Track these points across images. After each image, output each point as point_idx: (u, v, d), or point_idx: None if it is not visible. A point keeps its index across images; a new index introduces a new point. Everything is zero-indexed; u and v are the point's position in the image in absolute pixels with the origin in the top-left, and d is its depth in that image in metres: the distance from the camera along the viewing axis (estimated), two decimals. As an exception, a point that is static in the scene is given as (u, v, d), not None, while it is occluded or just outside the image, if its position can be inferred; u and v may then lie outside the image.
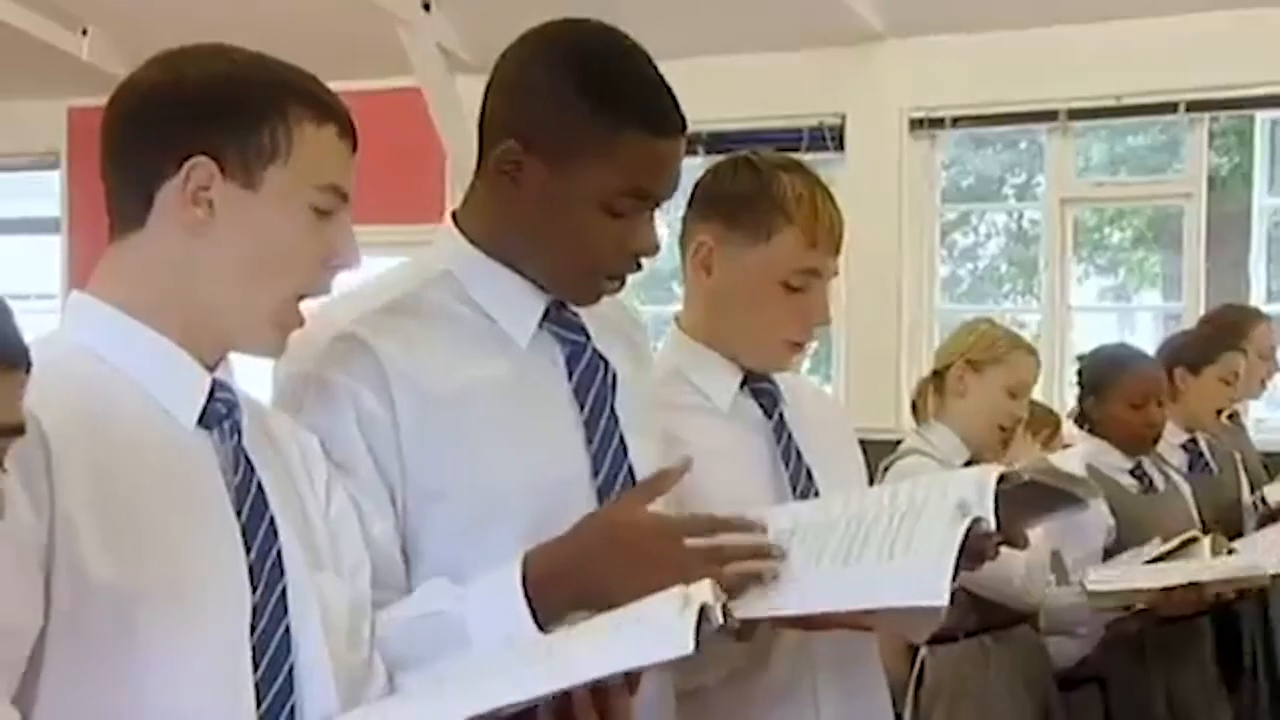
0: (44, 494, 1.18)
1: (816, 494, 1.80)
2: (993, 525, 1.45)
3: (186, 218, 1.29)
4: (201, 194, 1.28)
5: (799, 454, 1.83)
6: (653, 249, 1.55)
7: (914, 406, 3.12)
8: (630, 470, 1.57)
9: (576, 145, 1.48)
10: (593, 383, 1.58)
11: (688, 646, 1.16)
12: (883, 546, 1.40)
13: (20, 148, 7.31)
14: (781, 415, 1.85)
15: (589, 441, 1.55)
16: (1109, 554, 3.13)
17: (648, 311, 6.96)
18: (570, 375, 1.57)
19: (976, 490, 1.48)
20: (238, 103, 1.30)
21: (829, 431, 1.92)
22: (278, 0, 5.87)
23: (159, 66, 1.33)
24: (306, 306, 1.38)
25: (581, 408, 1.56)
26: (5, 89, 6.93)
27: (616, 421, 1.58)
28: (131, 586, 1.21)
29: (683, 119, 1.55)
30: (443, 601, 1.42)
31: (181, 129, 1.29)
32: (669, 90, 1.55)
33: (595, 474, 1.55)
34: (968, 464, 2.97)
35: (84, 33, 6.64)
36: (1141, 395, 3.28)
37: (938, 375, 3.04)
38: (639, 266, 1.57)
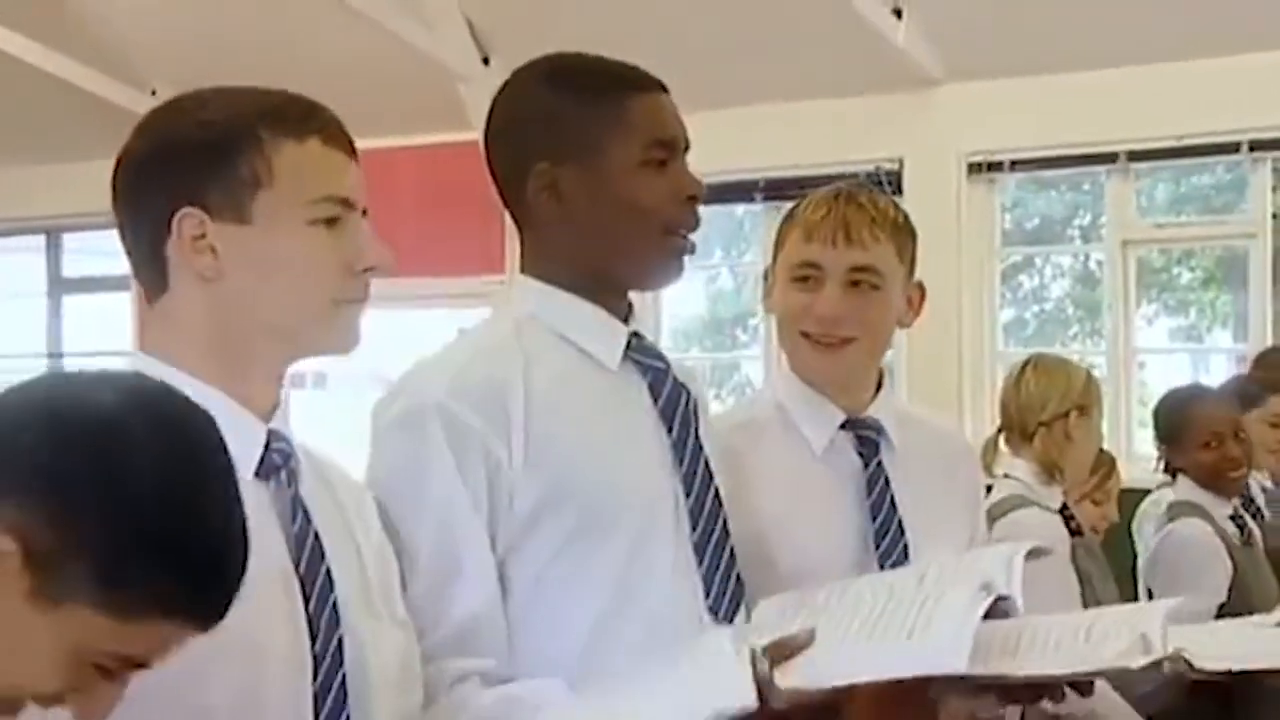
0: None
1: (905, 549, 1.80)
2: (1019, 602, 1.44)
3: (197, 267, 1.31)
4: (200, 242, 1.31)
5: (893, 505, 1.82)
6: (700, 188, 1.63)
7: (984, 458, 3.09)
8: (717, 494, 1.62)
9: (594, 134, 1.59)
10: (677, 408, 1.63)
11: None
12: (904, 624, 1.39)
13: (92, 207, 7.45)
14: (880, 464, 1.84)
15: (679, 463, 1.61)
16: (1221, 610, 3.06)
17: (709, 359, 6.98)
18: (656, 401, 1.62)
19: (1004, 569, 1.48)
20: (208, 145, 1.31)
21: (942, 486, 1.90)
22: (340, 58, 5.98)
23: (142, 132, 1.36)
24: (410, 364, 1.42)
25: (669, 430, 1.62)
26: (77, 150, 7.08)
27: (701, 446, 1.63)
28: (193, 650, 1.20)
29: (658, 79, 1.66)
30: (556, 701, 1.45)
31: (162, 188, 1.32)
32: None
33: (687, 495, 1.60)
34: (1062, 509, 2.96)
35: (153, 93, 6.79)
36: (1212, 434, 3.24)
37: (1045, 427, 2.98)
38: (696, 218, 1.65)
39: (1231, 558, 3.13)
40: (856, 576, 1.73)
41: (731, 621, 1.57)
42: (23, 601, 0.97)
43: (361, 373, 6.95)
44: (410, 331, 6.99)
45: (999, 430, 3.10)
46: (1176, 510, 3.29)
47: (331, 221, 1.33)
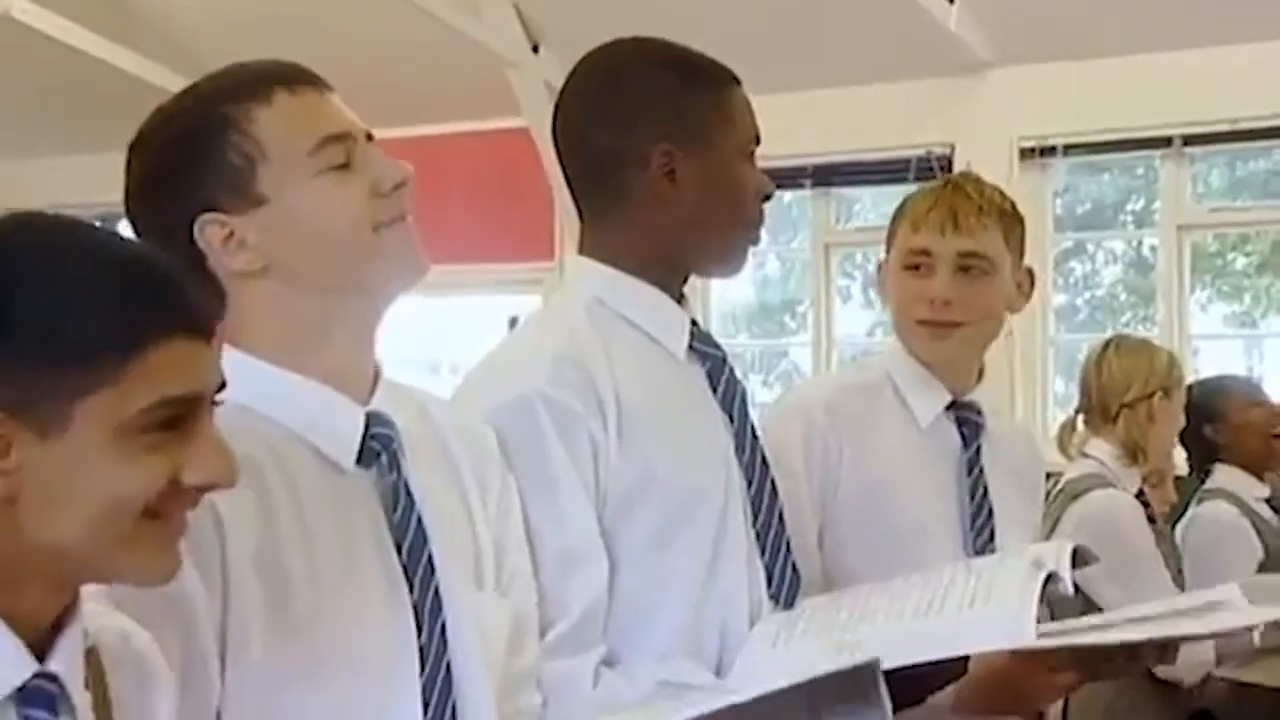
0: (217, 579, 1.19)
1: (993, 534, 1.85)
2: (1070, 587, 1.47)
3: (239, 267, 1.29)
4: (230, 241, 1.29)
5: (985, 490, 1.87)
6: (772, 188, 1.69)
7: (1060, 440, 3.09)
8: (774, 484, 1.64)
9: (706, 122, 1.62)
10: (735, 397, 1.65)
11: None
12: (963, 599, 1.41)
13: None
14: (979, 448, 1.89)
15: (740, 451, 1.63)
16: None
17: (758, 345, 6.96)
18: (715, 389, 1.64)
19: (1054, 555, 1.51)
20: (192, 151, 1.29)
21: (1017, 479, 1.96)
22: (390, 47, 6.01)
23: (129, 165, 1.34)
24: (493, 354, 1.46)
25: (730, 419, 1.64)
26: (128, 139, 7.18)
27: (757, 436, 1.65)
28: (299, 662, 1.22)
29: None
30: (702, 680, 1.49)
31: (171, 212, 1.30)
32: None
33: (749, 484, 1.62)
34: (1139, 494, 2.95)
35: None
36: (1258, 394, 3.27)
37: (1129, 408, 2.98)
38: (764, 216, 1.70)
39: (1264, 541, 3.11)
40: (950, 550, 1.79)
41: (790, 609, 1.58)
42: (45, 449, 0.97)
43: (412, 358, 7.00)
44: (461, 318, 7.02)
45: (1077, 411, 3.10)
46: (1206, 495, 3.29)
47: (342, 167, 1.30)
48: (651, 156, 1.59)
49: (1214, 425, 3.32)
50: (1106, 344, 3.13)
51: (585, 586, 1.50)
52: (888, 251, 1.99)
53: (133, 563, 1.00)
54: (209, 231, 1.29)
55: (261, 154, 1.28)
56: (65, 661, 1.00)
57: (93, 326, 0.97)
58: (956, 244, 1.89)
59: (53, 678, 0.99)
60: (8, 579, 0.98)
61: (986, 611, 1.39)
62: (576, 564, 1.50)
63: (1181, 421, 3.09)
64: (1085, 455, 3.01)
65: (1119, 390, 3.01)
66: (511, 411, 1.51)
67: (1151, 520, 2.98)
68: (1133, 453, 2.97)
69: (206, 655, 1.19)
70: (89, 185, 7.81)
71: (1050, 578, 1.45)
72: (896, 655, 1.38)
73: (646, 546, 1.53)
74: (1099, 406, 3.03)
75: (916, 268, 1.91)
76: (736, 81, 1.67)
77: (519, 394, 1.51)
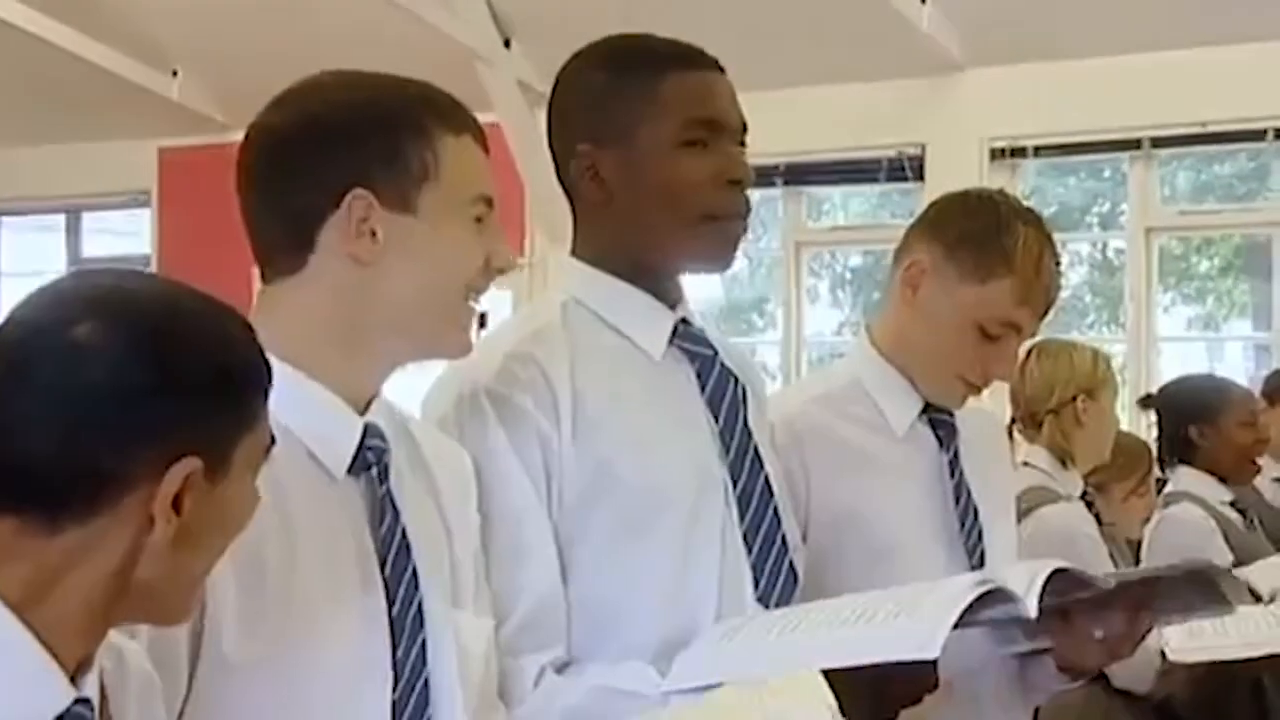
0: None
1: (980, 534, 1.81)
2: (1033, 611, 1.39)
3: (354, 251, 1.28)
4: (364, 224, 1.27)
5: (968, 492, 1.83)
6: (747, 173, 1.60)
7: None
8: (767, 482, 1.60)
9: (631, 116, 1.55)
10: (724, 396, 1.60)
11: None
12: (891, 611, 1.38)
13: (112, 187, 7.48)
14: (956, 451, 1.85)
15: (725, 452, 1.59)
16: None
17: (727, 344, 6.95)
18: (703, 389, 1.60)
19: (1026, 578, 1.42)
20: (380, 128, 1.29)
21: (990, 470, 1.91)
22: (361, 40, 5.96)
23: (291, 106, 1.32)
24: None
25: (716, 419, 1.59)
26: (97, 130, 7.10)
27: (750, 434, 1.61)
28: (274, 665, 1.21)
29: (714, 58, 1.62)
30: (644, 687, 1.44)
31: (331, 165, 1.28)
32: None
33: (735, 483, 1.58)
34: (1083, 495, 2.93)
35: (174, 74, 6.80)
36: (1251, 413, 3.25)
37: (1053, 414, 2.93)
38: (747, 204, 1.61)
39: (1229, 542, 3.10)
40: (941, 560, 1.77)
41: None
42: (212, 493, 1.01)
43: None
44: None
45: (1011, 421, 3.06)
46: (1171, 498, 3.28)
47: (480, 220, 1.34)
48: (573, 159, 1.58)
49: (1200, 427, 3.28)
50: (1029, 350, 3.08)
51: (533, 580, 1.48)
52: (926, 259, 1.84)
53: (197, 594, 1.07)
54: (357, 206, 1.27)
55: (436, 174, 1.30)
56: (92, 687, 1.01)
57: (248, 371, 1.05)
58: (1037, 326, 1.86)
59: (87, 702, 0.99)
60: (81, 625, 1.00)
61: (906, 622, 1.35)
62: (524, 558, 1.48)
63: (1114, 421, 3.05)
64: (1026, 464, 2.99)
65: (1043, 397, 2.95)
66: (461, 408, 1.50)
67: (1100, 524, 2.97)
68: (1061, 459, 2.95)
69: (177, 655, 1.18)
70: (52, 177, 7.78)
71: (996, 594, 1.40)
72: (805, 661, 1.34)
73: (609, 546, 1.50)
74: (1027, 415, 2.98)
75: (996, 336, 1.80)
76: (689, 65, 1.58)
77: (468, 391, 1.50)
